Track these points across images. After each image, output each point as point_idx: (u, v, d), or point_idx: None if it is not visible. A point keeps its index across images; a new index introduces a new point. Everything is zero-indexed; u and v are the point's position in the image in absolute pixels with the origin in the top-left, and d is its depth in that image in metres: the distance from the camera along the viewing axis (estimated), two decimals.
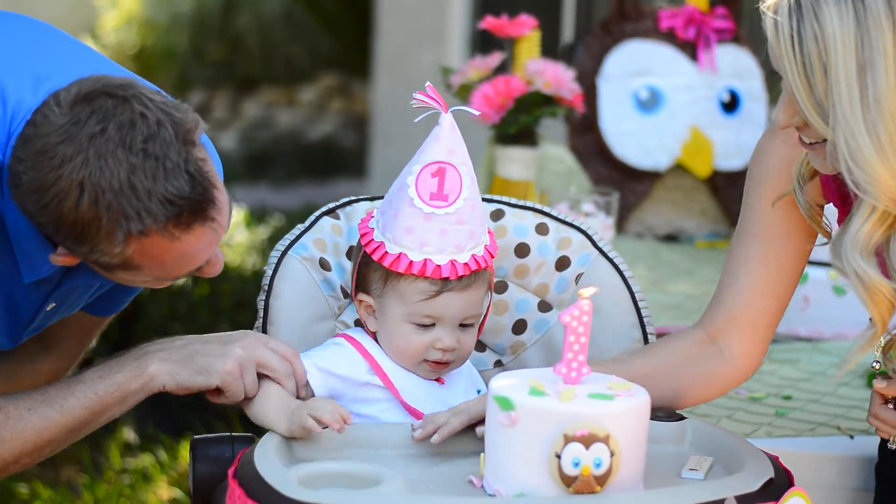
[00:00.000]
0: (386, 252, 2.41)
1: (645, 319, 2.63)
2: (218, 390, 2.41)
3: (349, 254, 2.60)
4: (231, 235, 6.59)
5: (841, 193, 2.38)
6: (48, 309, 2.49)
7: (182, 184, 2.20)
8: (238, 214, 7.13)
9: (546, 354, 2.65)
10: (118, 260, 2.24)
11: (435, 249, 2.39)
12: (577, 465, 2.09)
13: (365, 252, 2.44)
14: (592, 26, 4.81)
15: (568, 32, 7.27)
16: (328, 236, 2.62)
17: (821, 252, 2.52)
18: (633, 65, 4.40)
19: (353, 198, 2.68)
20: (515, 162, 3.88)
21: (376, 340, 2.49)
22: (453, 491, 2.21)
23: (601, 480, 2.11)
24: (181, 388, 2.40)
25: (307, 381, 2.43)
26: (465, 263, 2.41)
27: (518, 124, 3.80)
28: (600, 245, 2.66)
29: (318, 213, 2.65)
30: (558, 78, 3.78)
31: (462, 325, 2.45)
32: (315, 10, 10.52)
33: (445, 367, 2.47)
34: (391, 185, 2.45)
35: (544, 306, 2.67)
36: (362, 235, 2.46)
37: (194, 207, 2.22)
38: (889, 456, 2.57)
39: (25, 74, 2.33)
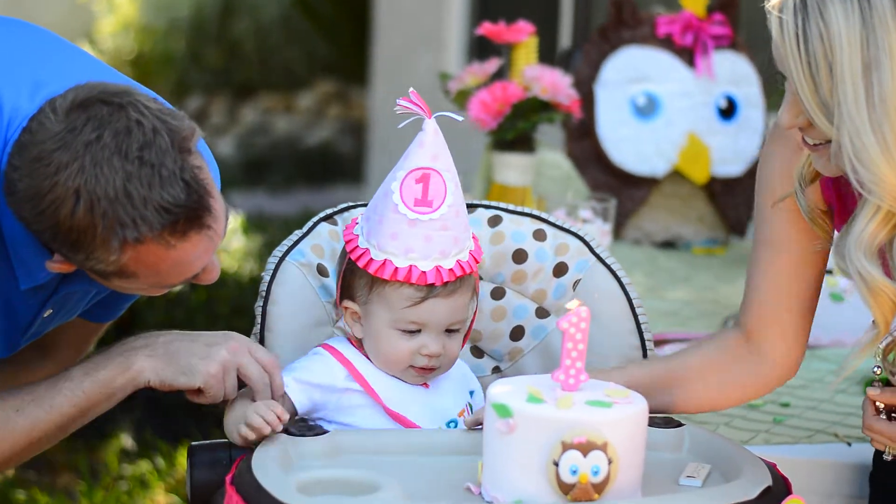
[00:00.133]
0: (371, 259, 2.41)
1: (642, 326, 2.63)
2: (199, 390, 2.41)
3: None
4: (228, 241, 6.59)
5: (839, 195, 2.38)
6: (45, 315, 2.48)
7: (178, 192, 2.20)
8: (235, 220, 7.13)
9: (544, 361, 2.65)
10: (114, 267, 2.24)
11: (420, 255, 2.39)
12: (574, 472, 2.09)
13: (350, 259, 2.44)
14: (590, 32, 4.80)
15: (565, 38, 7.27)
16: (326, 242, 2.62)
17: None
18: (630, 71, 4.40)
19: (350, 204, 2.68)
20: (513, 168, 3.88)
21: (361, 348, 2.48)
22: (451, 498, 2.21)
23: (599, 488, 2.11)
24: (164, 386, 2.40)
25: (285, 394, 2.43)
26: (451, 269, 2.41)
27: (515, 130, 3.81)
28: (598, 251, 2.66)
29: (315, 219, 2.65)
30: (556, 84, 3.78)
31: (448, 331, 2.45)
32: (313, 17, 10.53)
33: (431, 373, 2.47)
34: (376, 191, 2.45)
35: (542, 312, 2.67)
36: (347, 242, 2.46)
37: (190, 215, 2.22)
38: (883, 465, 2.56)
39: (22, 80, 2.33)
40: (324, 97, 10.76)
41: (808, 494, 2.27)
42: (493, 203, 2.71)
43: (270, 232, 7.22)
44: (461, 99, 3.84)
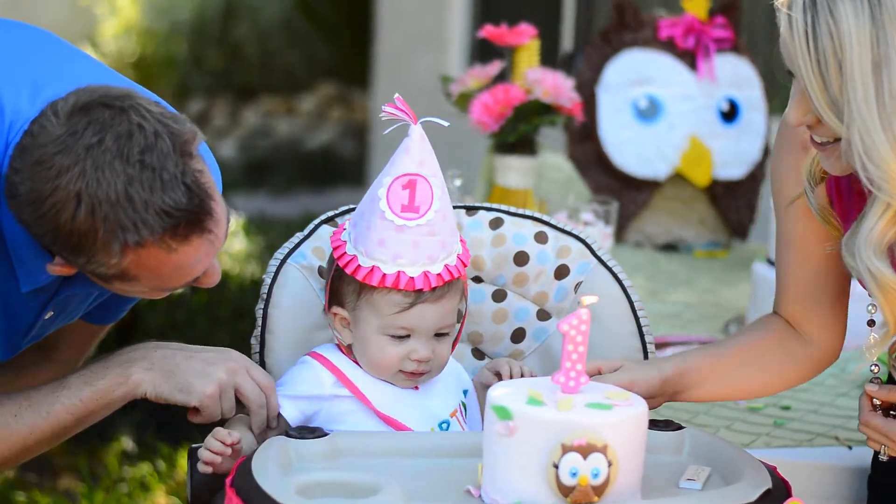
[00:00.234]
0: (359, 265, 2.40)
1: (644, 329, 2.63)
2: (196, 409, 2.42)
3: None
4: (230, 244, 6.60)
5: (839, 195, 2.38)
6: (46, 317, 2.48)
7: (179, 195, 2.20)
8: (237, 223, 7.13)
9: (544, 363, 2.65)
10: (115, 271, 2.24)
11: (408, 261, 2.39)
12: (574, 474, 2.09)
13: (338, 265, 2.44)
14: (592, 35, 4.81)
15: (567, 41, 7.28)
16: (327, 245, 2.61)
17: None
18: (632, 74, 4.40)
19: (352, 206, 2.68)
20: (514, 170, 3.88)
21: (350, 354, 2.48)
22: (451, 500, 2.21)
23: (599, 490, 2.11)
24: (161, 399, 2.41)
25: (280, 414, 2.43)
26: (439, 274, 2.41)
27: (517, 133, 3.80)
28: (599, 254, 2.66)
29: (316, 221, 2.65)
30: (557, 87, 3.78)
31: (437, 335, 2.45)
32: (314, 19, 10.54)
33: (421, 377, 2.47)
34: (364, 197, 2.45)
35: (543, 315, 2.67)
36: (335, 249, 2.45)
37: (191, 219, 2.22)
38: (881, 467, 2.56)
39: (23, 83, 2.33)
40: (325, 100, 10.76)
41: (809, 497, 2.27)
42: (495, 205, 2.71)
43: (272, 234, 7.22)
44: (463, 101, 3.84)
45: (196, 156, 2.25)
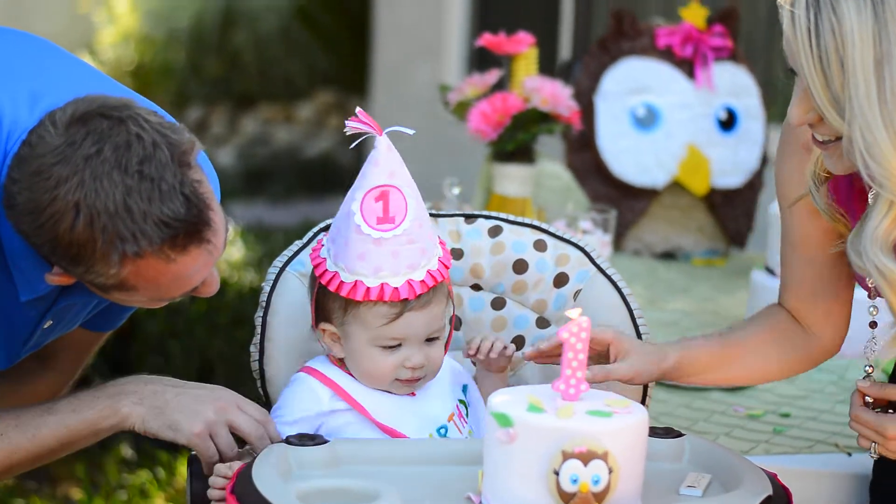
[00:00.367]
0: (342, 282, 2.40)
1: (643, 336, 2.63)
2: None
3: None
4: (229, 252, 6.59)
5: (842, 194, 2.38)
6: (45, 326, 2.48)
7: (177, 206, 2.20)
8: (236, 230, 7.13)
9: (544, 371, 2.65)
10: (113, 281, 2.24)
11: (390, 272, 2.39)
12: (575, 481, 2.09)
13: (321, 283, 2.44)
14: (590, 44, 4.82)
15: (565, 50, 7.29)
16: None
17: None
18: (630, 82, 4.41)
19: None
20: (513, 179, 3.88)
21: (343, 366, 2.48)
22: None
23: (599, 497, 2.11)
24: (149, 434, 2.41)
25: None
26: (422, 281, 2.41)
27: (515, 141, 3.81)
28: (598, 262, 2.67)
29: (315, 229, 2.65)
30: (556, 95, 3.79)
31: (428, 340, 2.45)
32: (312, 28, 10.54)
33: (417, 382, 2.47)
34: (337, 213, 2.44)
35: (543, 322, 2.67)
36: (315, 266, 2.44)
37: (190, 229, 2.22)
38: (883, 474, 2.57)
39: (21, 92, 2.33)
40: (323, 108, 10.76)
41: None
42: (494, 213, 2.72)
43: (270, 242, 7.22)
44: (461, 110, 3.84)
45: (194, 166, 2.25)
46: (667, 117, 4.39)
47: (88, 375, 2.94)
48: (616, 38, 4.45)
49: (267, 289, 2.60)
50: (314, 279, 2.46)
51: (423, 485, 2.28)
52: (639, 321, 2.63)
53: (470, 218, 2.70)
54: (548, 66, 4.31)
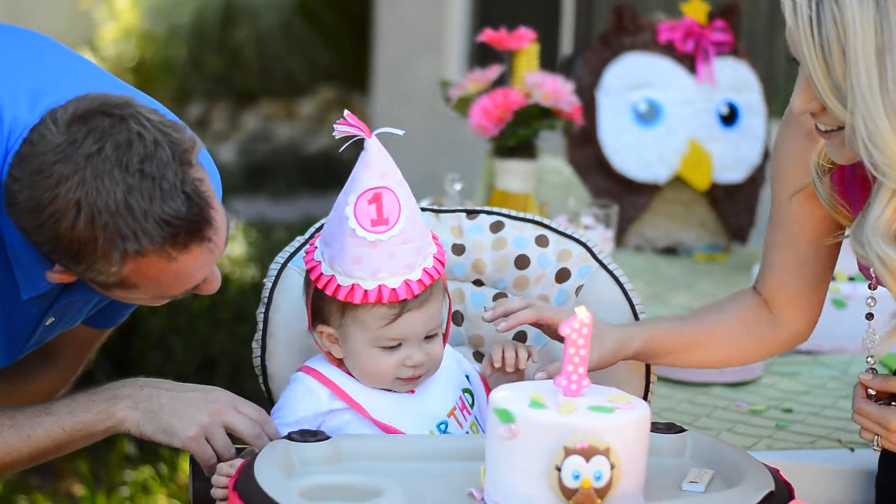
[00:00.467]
0: (339, 285, 2.39)
1: None
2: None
3: None
4: (230, 248, 6.59)
5: (847, 183, 2.38)
6: (47, 324, 2.48)
7: (178, 204, 2.20)
8: (237, 227, 7.13)
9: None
10: (115, 279, 2.24)
11: (387, 274, 2.38)
12: (577, 477, 2.09)
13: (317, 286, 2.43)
14: (591, 39, 4.82)
15: (567, 45, 7.29)
16: None
17: None
18: (631, 77, 4.40)
19: None
20: (514, 174, 3.88)
21: (342, 365, 2.47)
22: (453, 503, 2.21)
23: (601, 493, 2.11)
24: (145, 438, 2.42)
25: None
26: (419, 280, 2.40)
27: (517, 137, 3.80)
28: (600, 257, 2.66)
29: (317, 225, 2.65)
30: (557, 91, 3.78)
31: (427, 337, 2.45)
32: (314, 24, 10.55)
33: (419, 380, 2.47)
34: (329, 216, 2.43)
35: None
36: (310, 270, 2.43)
37: (191, 228, 2.22)
38: (888, 469, 2.57)
39: (22, 90, 2.33)
40: (325, 104, 10.77)
41: (811, 500, 2.27)
42: (496, 209, 2.71)
43: (272, 238, 7.22)
44: (462, 106, 3.84)
45: (196, 164, 2.24)
46: (668, 112, 4.39)
47: (91, 371, 2.94)
48: (617, 34, 4.44)
49: (269, 285, 2.59)
50: (308, 282, 2.46)
51: (425, 481, 2.28)
52: (641, 317, 2.63)
53: (472, 213, 2.70)
54: (549, 61, 4.30)
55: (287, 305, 2.58)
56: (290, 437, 2.33)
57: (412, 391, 2.48)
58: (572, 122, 3.85)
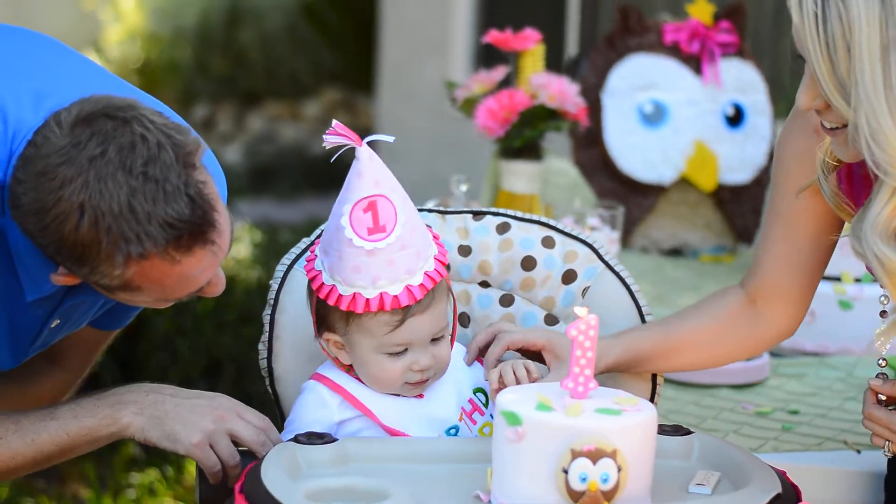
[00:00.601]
0: (340, 295, 2.38)
1: None
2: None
3: None
4: (235, 249, 6.60)
5: (855, 179, 2.38)
6: (52, 326, 2.48)
7: (182, 207, 2.19)
8: (242, 228, 7.13)
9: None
10: (118, 282, 2.24)
11: (388, 281, 2.37)
12: (584, 480, 2.09)
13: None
14: (597, 40, 4.81)
15: (572, 46, 7.29)
16: None
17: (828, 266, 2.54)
18: (637, 79, 4.40)
19: None
20: (520, 175, 3.88)
21: (350, 371, 2.47)
22: None
23: (608, 495, 2.11)
24: (150, 444, 2.42)
25: None
26: (421, 284, 2.39)
27: (522, 138, 3.80)
28: (606, 259, 2.66)
29: (322, 226, 2.65)
30: (563, 92, 3.78)
31: (433, 340, 2.44)
32: (318, 25, 10.56)
33: (427, 383, 2.46)
34: (326, 225, 2.42)
35: (550, 319, 2.67)
36: (311, 279, 2.42)
37: (194, 231, 2.21)
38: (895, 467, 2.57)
39: (26, 92, 2.33)
40: (330, 105, 10.78)
41: (818, 502, 2.27)
42: (502, 210, 2.71)
43: (278, 239, 7.23)
44: (468, 107, 3.84)
45: (199, 167, 2.24)
46: (674, 113, 4.38)
47: (97, 373, 2.94)
48: (623, 35, 4.44)
49: (275, 286, 2.59)
50: (311, 291, 2.45)
51: (431, 483, 2.28)
52: (647, 318, 2.63)
53: (478, 215, 2.69)
54: (555, 62, 4.30)
55: (293, 307, 2.58)
56: (296, 439, 2.33)
57: (421, 395, 2.47)
58: (578, 123, 3.85)
